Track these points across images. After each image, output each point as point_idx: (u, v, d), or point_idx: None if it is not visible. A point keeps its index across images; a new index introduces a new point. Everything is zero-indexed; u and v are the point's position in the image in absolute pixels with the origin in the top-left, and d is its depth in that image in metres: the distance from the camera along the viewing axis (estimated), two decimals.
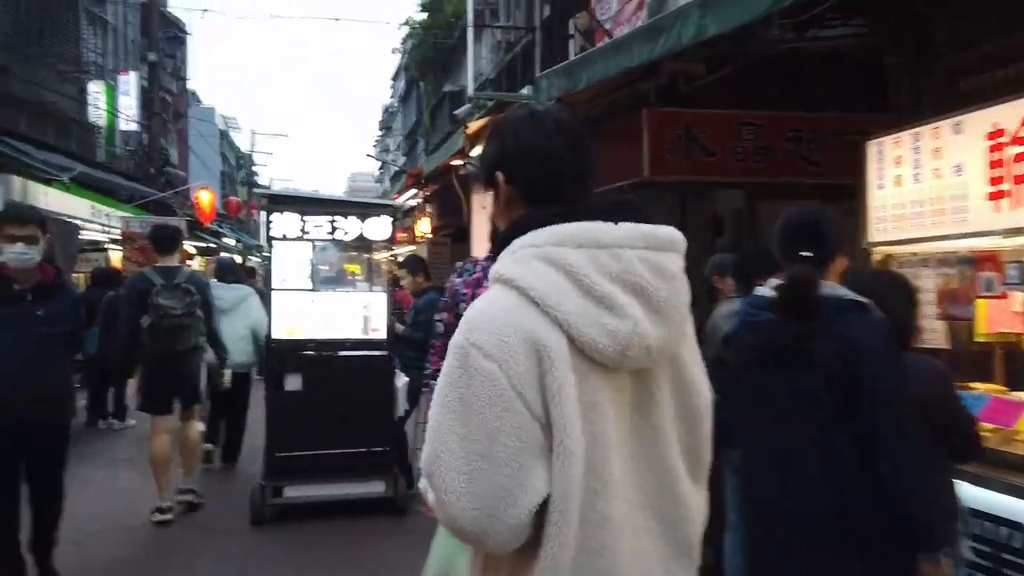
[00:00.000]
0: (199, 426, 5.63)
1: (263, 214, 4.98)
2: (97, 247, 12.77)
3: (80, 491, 5.79)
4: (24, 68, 14.75)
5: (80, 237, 13.72)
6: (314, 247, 5.26)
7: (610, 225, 1.14)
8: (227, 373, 5.64)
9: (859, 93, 5.19)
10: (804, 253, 2.08)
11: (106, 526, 5.13)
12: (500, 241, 1.23)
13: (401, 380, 5.33)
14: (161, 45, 19.23)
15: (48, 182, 10.19)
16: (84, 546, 4.58)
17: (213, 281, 6.26)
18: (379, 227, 5.26)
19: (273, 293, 5.17)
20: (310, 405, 5.11)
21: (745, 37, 4.18)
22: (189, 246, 14.76)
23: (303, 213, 5.12)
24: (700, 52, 4.69)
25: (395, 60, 34.63)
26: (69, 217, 12.38)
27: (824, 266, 2.11)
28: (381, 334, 5.29)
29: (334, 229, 5.17)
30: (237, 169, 37.89)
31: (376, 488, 5.16)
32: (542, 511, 1.06)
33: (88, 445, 7.30)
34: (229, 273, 6.67)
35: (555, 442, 1.06)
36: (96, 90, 18.01)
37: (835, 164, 5.12)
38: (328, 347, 5.20)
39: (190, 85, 29.40)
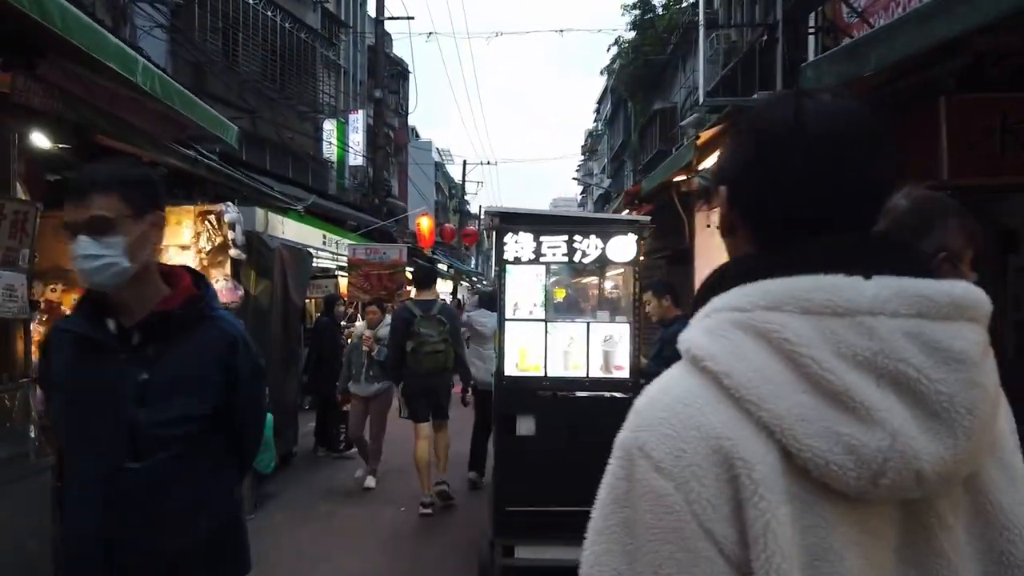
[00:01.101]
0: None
1: (492, 235, 4.30)
2: (327, 274, 13.34)
3: (299, 525, 5.56)
4: (269, 110, 16.01)
5: (313, 265, 14.59)
6: (548, 271, 4.57)
7: (857, 280, 0.75)
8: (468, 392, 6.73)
9: None
10: None
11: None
12: (697, 295, 0.87)
13: None
14: (386, 83, 20.23)
15: (285, 211, 10.66)
16: None
17: (480, 309, 7.34)
18: (623, 247, 4.45)
19: (504, 324, 4.53)
20: (545, 453, 4.39)
21: None
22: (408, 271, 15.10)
23: (538, 233, 4.44)
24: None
25: (600, 84, 34.33)
26: (303, 245, 13.08)
27: None
28: (625, 372, 4.46)
29: (572, 250, 4.44)
30: (450, 199, 39.56)
31: None
32: None
33: (310, 472, 7.24)
34: (491, 302, 6.59)
35: None
36: (329, 128, 19.28)
37: None
38: (565, 386, 4.46)
39: (410, 121, 31.12)
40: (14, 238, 3.73)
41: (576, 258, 4.46)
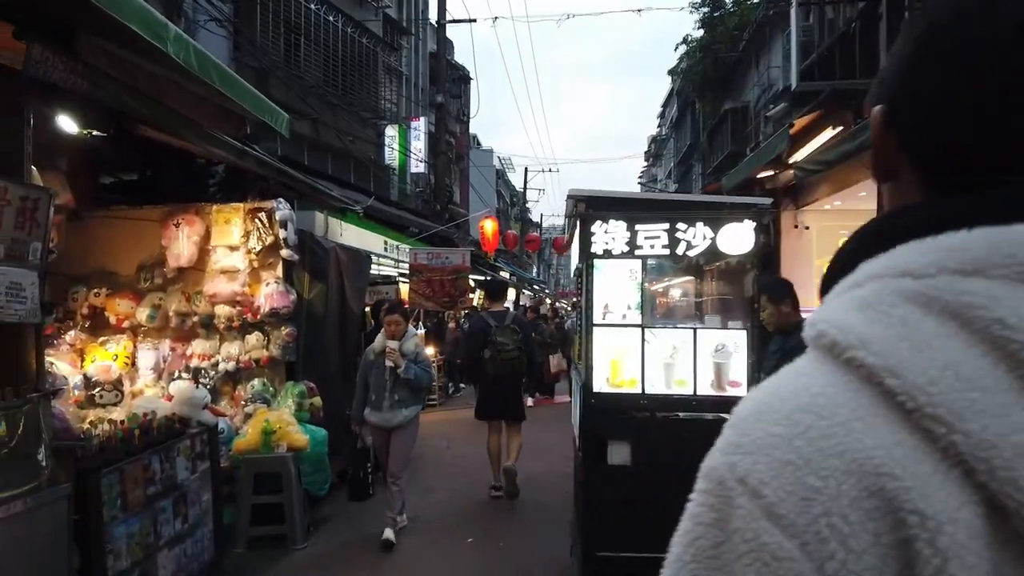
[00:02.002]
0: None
1: (576, 226, 3.51)
2: (389, 280, 12.84)
3: (357, 555, 4.86)
4: (331, 116, 15.75)
5: (372, 272, 14.13)
6: (645, 266, 3.78)
7: None
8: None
9: None
10: None
11: None
12: (832, 265, 0.61)
13: None
14: (447, 87, 19.79)
15: (344, 214, 10.13)
16: None
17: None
18: (737, 236, 3.63)
19: (592, 330, 3.75)
20: (643, 487, 3.59)
21: None
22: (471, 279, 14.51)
23: (633, 220, 3.66)
24: None
25: (664, 88, 33.31)
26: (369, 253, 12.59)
27: None
28: (742, 389, 3.63)
29: (675, 241, 3.64)
30: (511, 206, 38.99)
31: None
32: None
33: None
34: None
35: None
36: (391, 134, 18.97)
37: None
38: (667, 406, 3.66)
39: (471, 129, 30.75)
40: (22, 228, 3.17)
41: (680, 250, 3.65)
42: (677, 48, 22.70)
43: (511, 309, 7.42)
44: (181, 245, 5.75)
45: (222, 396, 5.75)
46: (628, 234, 3.67)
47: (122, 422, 4.21)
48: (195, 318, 5.78)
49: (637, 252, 3.68)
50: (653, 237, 3.66)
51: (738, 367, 3.63)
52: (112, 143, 5.71)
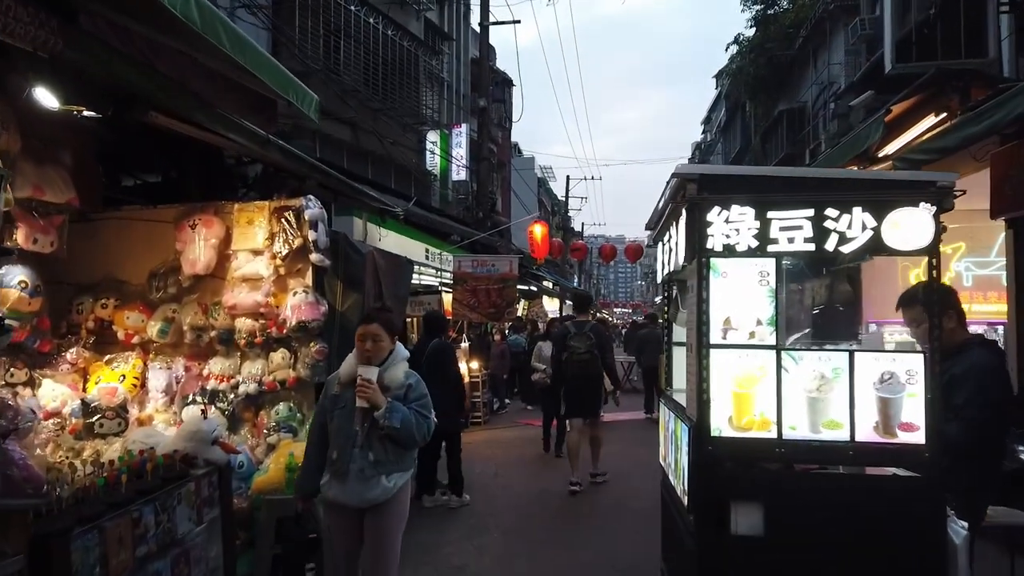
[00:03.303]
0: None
1: (681, 215, 2.49)
2: (430, 290, 12.02)
3: None
4: (371, 121, 15.11)
5: (413, 281, 13.29)
6: (780, 267, 2.80)
7: None
8: (617, 393, 7.93)
9: None
10: None
11: None
12: None
13: (958, 534, 2.61)
14: (491, 90, 19.02)
15: (383, 219, 9.31)
16: None
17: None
18: (910, 226, 2.64)
19: (707, 352, 2.78)
20: (781, 567, 2.61)
21: None
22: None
23: (765, 206, 2.70)
24: None
25: (709, 94, 32.18)
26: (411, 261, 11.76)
27: None
28: (919, 435, 2.63)
29: (822, 233, 2.67)
30: (552, 215, 38.11)
31: None
32: None
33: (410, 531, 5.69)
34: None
35: None
36: (433, 139, 18.29)
37: None
38: (813, 455, 2.68)
39: (513, 137, 29.99)
40: None
41: (829, 245, 2.67)
42: (728, 48, 21.58)
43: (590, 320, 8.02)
44: (197, 249, 4.94)
45: (243, 423, 4.91)
46: (757, 224, 2.71)
47: (111, 462, 3.38)
48: (212, 333, 4.95)
49: (770, 248, 2.71)
50: (792, 228, 2.69)
51: (914, 405, 2.63)
52: (124, 135, 4.95)
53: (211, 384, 4.89)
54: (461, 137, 20.89)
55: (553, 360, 7.52)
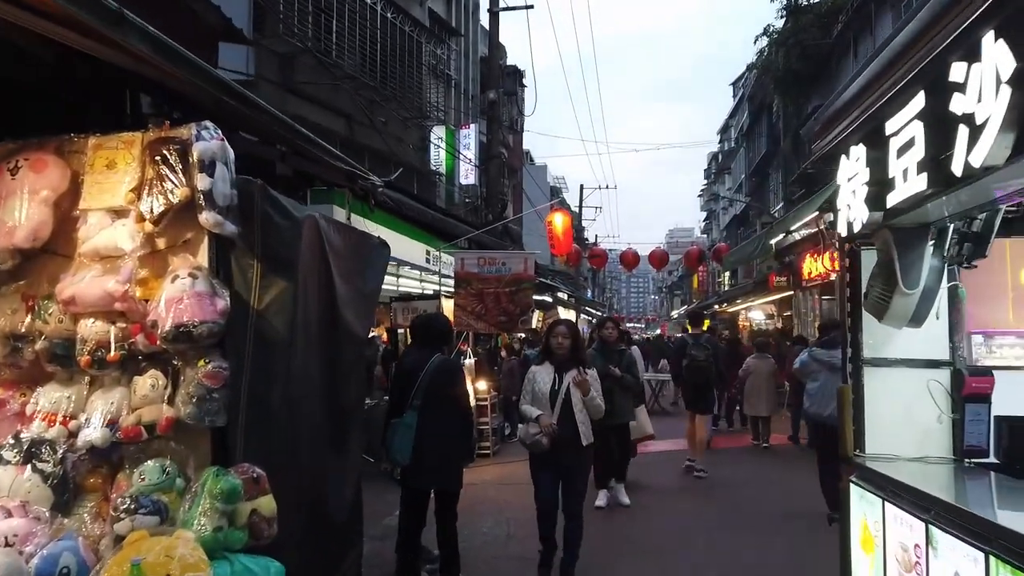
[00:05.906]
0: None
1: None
2: (426, 296, 10.06)
3: None
4: (368, 114, 13.33)
5: (413, 289, 11.31)
6: None
7: None
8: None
9: None
10: None
11: None
12: None
13: None
14: (502, 83, 17.17)
15: (369, 203, 7.25)
16: None
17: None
18: None
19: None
20: None
21: None
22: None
23: None
24: None
25: (725, 107, 30.19)
26: (401, 262, 9.78)
27: None
28: None
29: None
30: None
31: None
32: None
33: None
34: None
35: None
36: (439, 134, 16.50)
37: None
38: None
39: (524, 145, 28.21)
40: None
41: None
42: (757, 40, 19.63)
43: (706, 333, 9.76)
44: (19, 207, 2.96)
45: (85, 495, 2.89)
46: None
47: None
48: (40, 344, 2.96)
49: None
50: None
51: None
52: None
53: (34, 428, 2.89)
54: (470, 139, 19.07)
55: (672, 366, 10.39)
